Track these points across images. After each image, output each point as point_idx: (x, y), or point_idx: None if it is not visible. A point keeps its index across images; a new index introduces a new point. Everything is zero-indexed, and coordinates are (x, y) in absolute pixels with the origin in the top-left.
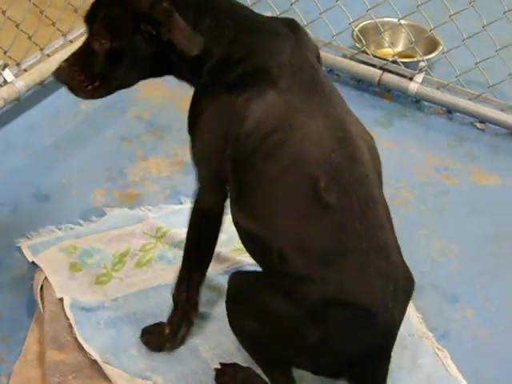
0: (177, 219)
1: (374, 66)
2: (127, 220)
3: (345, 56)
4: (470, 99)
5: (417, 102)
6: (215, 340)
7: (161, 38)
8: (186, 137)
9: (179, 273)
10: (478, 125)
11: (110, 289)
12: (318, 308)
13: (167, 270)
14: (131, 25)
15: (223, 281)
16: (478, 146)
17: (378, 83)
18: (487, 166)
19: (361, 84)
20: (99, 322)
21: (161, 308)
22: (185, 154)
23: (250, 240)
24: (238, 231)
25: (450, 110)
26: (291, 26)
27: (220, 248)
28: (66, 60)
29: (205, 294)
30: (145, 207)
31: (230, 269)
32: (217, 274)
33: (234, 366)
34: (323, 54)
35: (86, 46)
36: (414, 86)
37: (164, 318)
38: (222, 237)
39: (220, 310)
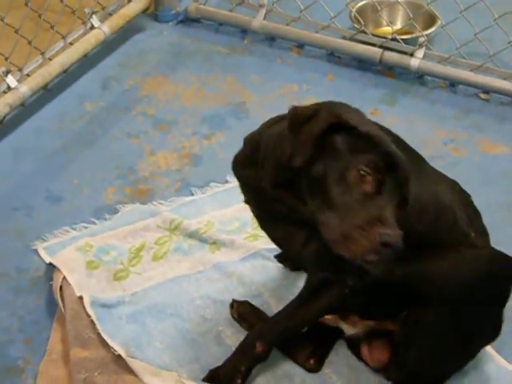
0: (189, 210)
1: (373, 45)
2: (140, 215)
3: (344, 37)
4: (471, 70)
5: (419, 77)
6: (237, 325)
7: None
8: (193, 130)
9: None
10: (482, 95)
11: (128, 284)
12: None
13: (183, 261)
14: None
15: (240, 267)
16: (484, 117)
17: (379, 62)
18: (494, 136)
19: (362, 64)
20: (121, 317)
21: (180, 298)
22: (192, 146)
23: None
24: None
25: (453, 83)
26: None
27: (234, 236)
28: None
29: (222, 281)
30: (157, 201)
31: (246, 255)
32: (233, 262)
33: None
34: (322, 37)
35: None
36: (415, 62)
37: (184, 309)
38: (235, 224)
39: (238, 296)
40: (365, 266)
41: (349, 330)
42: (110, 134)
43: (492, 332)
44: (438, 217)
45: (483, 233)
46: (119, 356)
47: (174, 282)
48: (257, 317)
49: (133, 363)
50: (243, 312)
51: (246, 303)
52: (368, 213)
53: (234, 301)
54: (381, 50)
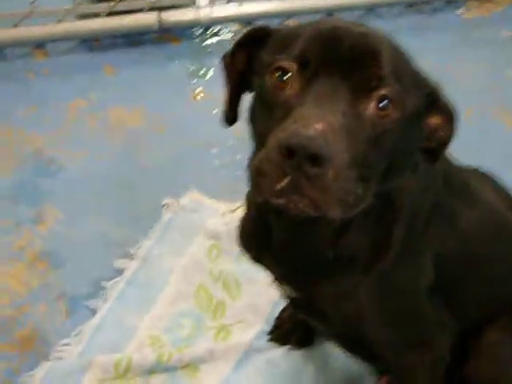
0: (119, 331)
1: None
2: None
3: None
4: None
5: None
6: None
7: None
8: None
9: None
10: None
11: None
12: None
13: None
14: None
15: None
16: None
17: None
18: None
19: None
20: None
21: None
22: None
23: None
24: None
25: None
26: None
27: (199, 342)
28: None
29: None
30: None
31: (237, 361)
32: (230, 377)
33: None
34: None
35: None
36: None
37: None
38: (185, 322)
39: None
40: None
41: None
42: None
43: None
44: (498, 235)
45: None
46: None
47: None
48: None
49: None
50: None
51: None
52: (283, 126)
53: None
54: None
